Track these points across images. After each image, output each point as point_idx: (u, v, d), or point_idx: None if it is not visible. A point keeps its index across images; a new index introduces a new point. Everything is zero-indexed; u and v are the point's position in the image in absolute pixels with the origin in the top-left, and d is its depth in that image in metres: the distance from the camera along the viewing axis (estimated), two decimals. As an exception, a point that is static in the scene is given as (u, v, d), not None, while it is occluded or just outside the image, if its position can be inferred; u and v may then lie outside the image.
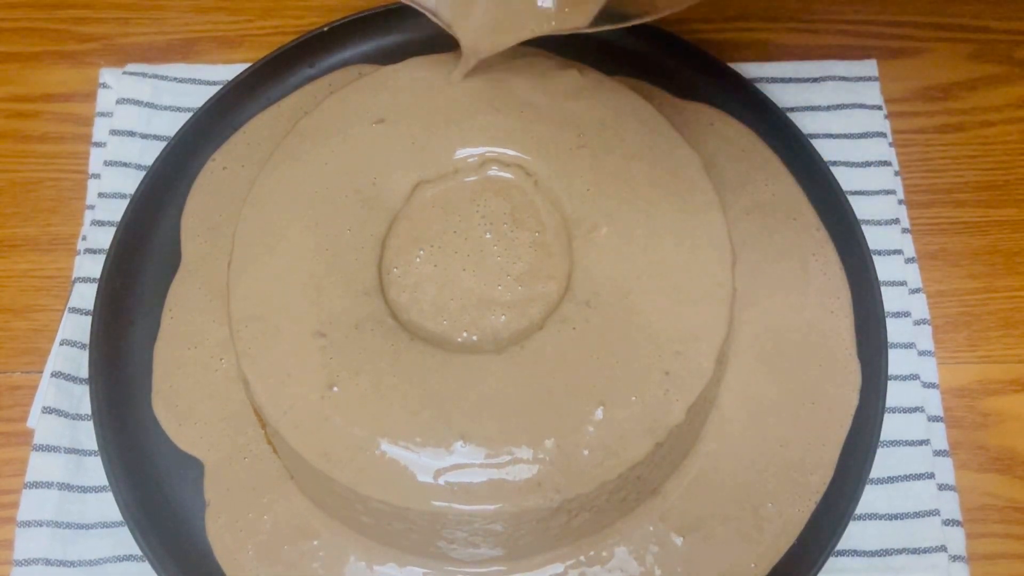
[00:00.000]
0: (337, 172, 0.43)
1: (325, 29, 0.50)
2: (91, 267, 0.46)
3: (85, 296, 0.45)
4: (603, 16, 0.40)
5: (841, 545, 0.41)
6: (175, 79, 0.51)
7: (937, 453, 0.43)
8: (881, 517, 0.42)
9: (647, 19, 0.40)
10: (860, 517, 0.42)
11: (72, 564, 0.41)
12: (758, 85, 0.49)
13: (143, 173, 0.47)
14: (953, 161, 0.51)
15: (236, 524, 0.40)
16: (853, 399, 0.42)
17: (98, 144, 0.50)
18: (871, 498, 0.42)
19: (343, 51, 0.50)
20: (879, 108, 0.50)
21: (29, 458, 0.42)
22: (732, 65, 0.49)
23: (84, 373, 0.44)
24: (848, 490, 0.40)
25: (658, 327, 0.39)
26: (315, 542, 0.40)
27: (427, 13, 0.42)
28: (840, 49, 0.53)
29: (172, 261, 0.46)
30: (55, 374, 0.44)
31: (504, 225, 0.42)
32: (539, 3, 0.41)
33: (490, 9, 0.42)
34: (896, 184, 0.49)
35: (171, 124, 0.49)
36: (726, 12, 0.54)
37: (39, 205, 0.49)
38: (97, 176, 0.49)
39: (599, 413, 0.37)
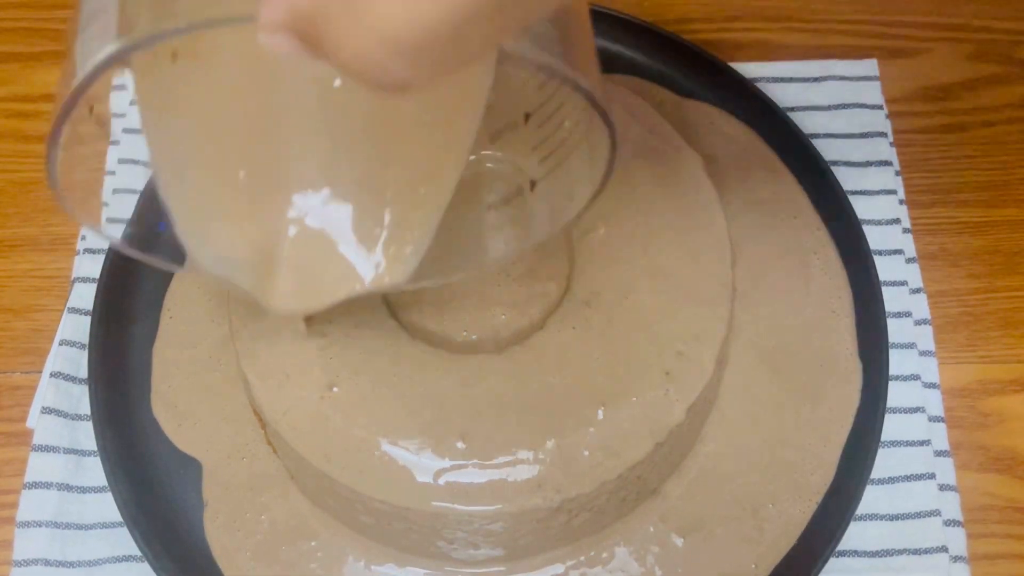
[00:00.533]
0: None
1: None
2: (91, 267, 0.46)
3: (85, 296, 0.45)
4: (418, 275, 0.36)
5: (842, 545, 0.41)
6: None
7: (938, 453, 0.43)
8: (882, 517, 0.42)
9: (461, 277, 0.39)
10: (861, 517, 0.42)
11: (71, 564, 0.41)
12: (758, 85, 0.49)
13: (142, 173, 0.47)
14: (954, 161, 0.51)
15: (233, 524, 0.40)
16: (854, 399, 0.42)
17: (113, 143, 0.50)
18: (872, 498, 0.42)
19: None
20: (880, 108, 0.50)
21: (28, 458, 0.42)
22: (732, 65, 0.49)
23: (84, 373, 0.44)
24: (849, 490, 0.40)
25: (658, 327, 0.39)
26: (313, 543, 0.40)
27: (225, 284, 0.37)
28: (840, 49, 0.53)
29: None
30: (54, 374, 0.44)
31: (504, 225, 0.42)
32: (348, 261, 0.36)
33: (294, 274, 0.36)
34: (897, 184, 0.49)
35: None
36: (726, 12, 0.54)
37: (39, 205, 0.49)
38: (112, 173, 0.49)
39: (599, 413, 0.37)
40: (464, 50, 0.21)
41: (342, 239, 0.36)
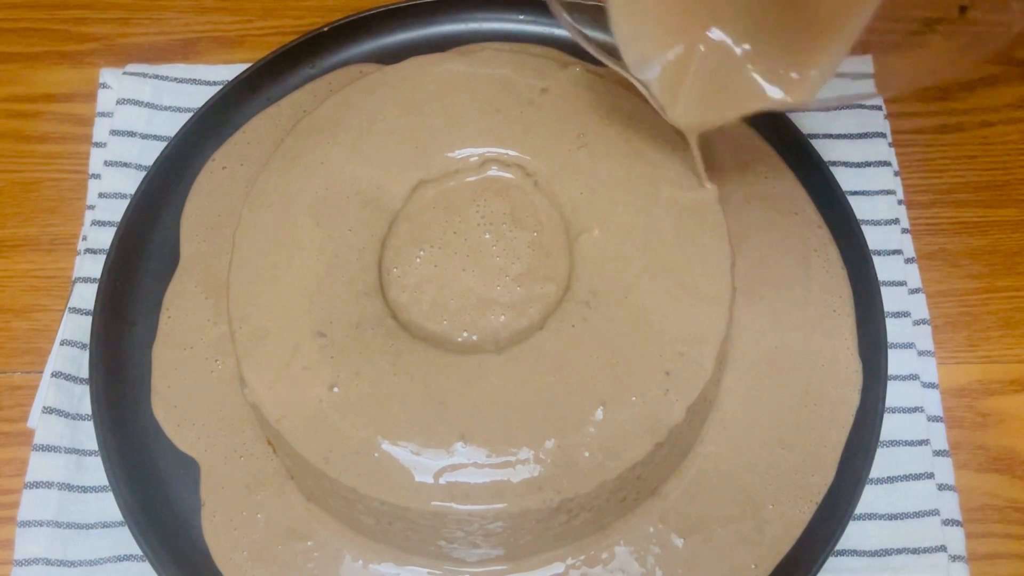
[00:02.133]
0: (338, 172, 0.43)
1: (325, 29, 0.50)
2: (91, 267, 0.46)
3: (85, 296, 0.45)
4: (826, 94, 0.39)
5: (841, 545, 0.41)
6: (175, 79, 0.51)
7: (937, 453, 0.43)
8: (881, 517, 0.42)
9: (870, 100, 0.40)
10: (860, 517, 0.42)
11: (72, 564, 0.41)
12: (758, 85, 0.49)
13: (143, 173, 0.47)
14: (953, 161, 0.51)
15: (230, 523, 0.40)
16: (854, 399, 0.42)
17: (98, 144, 0.50)
18: (871, 498, 0.42)
19: (343, 51, 0.50)
20: (879, 108, 0.50)
21: (29, 458, 0.42)
22: (732, 65, 0.49)
23: (84, 373, 0.44)
24: (848, 491, 0.40)
25: (658, 327, 0.39)
26: (310, 542, 0.40)
27: (640, 87, 0.40)
28: (840, 49, 0.53)
29: (172, 261, 0.46)
30: (55, 374, 0.44)
31: (504, 225, 0.43)
32: (753, 79, 0.39)
33: (698, 86, 0.40)
34: (896, 184, 0.49)
35: (171, 124, 0.49)
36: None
37: (39, 205, 0.49)
38: (97, 176, 0.49)
39: (599, 413, 0.37)
40: None
41: (750, 58, 0.39)
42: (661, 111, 0.40)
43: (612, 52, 0.40)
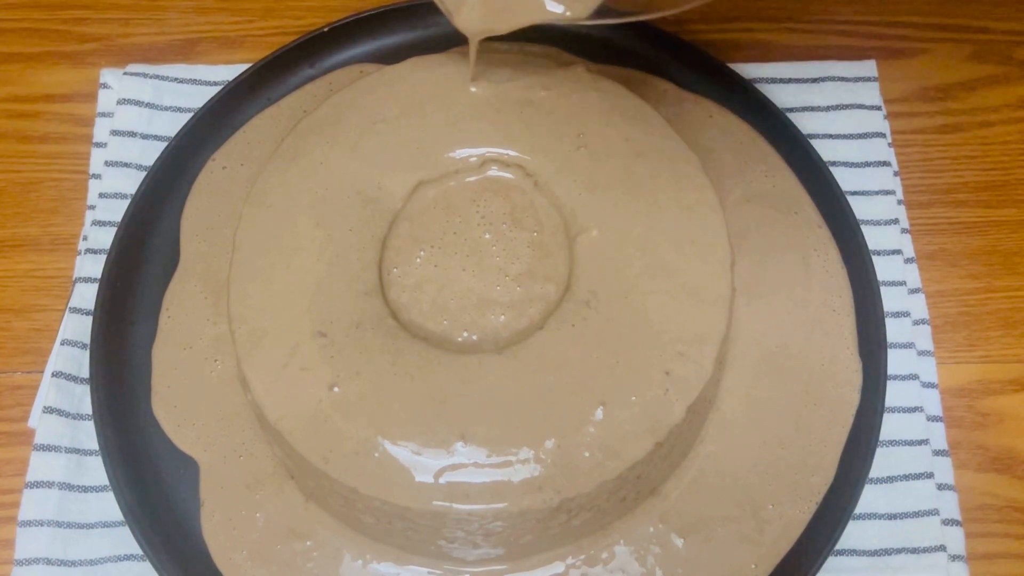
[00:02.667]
0: (338, 172, 0.43)
1: (325, 29, 0.50)
2: (92, 267, 0.46)
3: (86, 296, 0.45)
4: (602, 11, 0.39)
5: (840, 545, 0.41)
6: (176, 79, 0.51)
7: (936, 453, 0.44)
8: (880, 517, 0.42)
9: (645, 17, 0.40)
10: (859, 517, 0.42)
11: (73, 564, 0.41)
12: (758, 86, 0.49)
13: (144, 173, 0.47)
14: (952, 161, 0.51)
15: (229, 523, 0.40)
16: (854, 399, 0.42)
17: (99, 144, 0.50)
18: (870, 498, 0.42)
19: (343, 51, 0.50)
20: (878, 108, 0.50)
21: (30, 458, 0.42)
22: (732, 65, 0.49)
23: (85, 373, 0.44)
24: (848, 490, 0.40)
25: (658, 327, 0.39)
26: (309, 542, 0.40)
27: None
28: (839, 49, 0.53)
29: (173, 261, 0.46)
30: (56, 374, 0.44)
31: (504, 225, 0.43)
32: None
33: None
34: (895, 184, 0.49)
35: (172, 124, 0.49)
36: (726, 12, 0.54)
37: (40, 205, 0.49)
38: (98, 176, 0.49)
39: (599, 413, 0.37)
40: None
41: None
42: (448, 16, 0.41)
43: None
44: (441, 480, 0.36)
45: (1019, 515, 0.43)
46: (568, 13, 0.39)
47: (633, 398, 0.38)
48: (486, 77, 0.44)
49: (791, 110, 0.50)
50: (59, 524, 0.41)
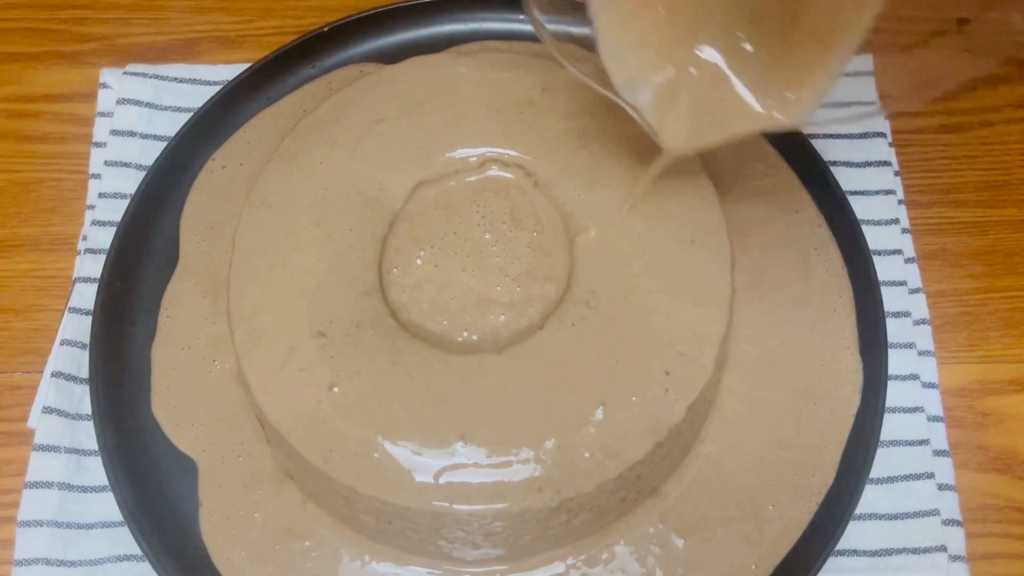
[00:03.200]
0: (338, 172, 0.43)
1: (325, 29, 0.50)
2: (91, 267, 0.46)
3: (85, 296, 0.45)
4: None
5: (841, 545, 0.41)
6: (175, 79, 0.51)
7: (937, 453, 0.43)
8: (881, 517, 0.42)
9: (875, 116, 0.39)
10: (860, 517, 0.42)
11: (72, 564, 0.41)
12: (758, 85, 0.49)
13: (144, 173, 0.47)
14: (953, 161, 0.51)
15: (227, 523, 0.40)
16: (854, 399, 0.42)
17: (99, 144, 0.50)
18: (871, 498, 0.42)
19: (343, 51, 0.50)
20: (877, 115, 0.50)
21: (29, 458, 0.42)
22: (732, 65, 0.49)
23: (85, 373, 0.44)
24: (848, 491, 0.40)
25: (658, 327, 0.39)
26: (307, 542, 0.40)
27: (630, 111, 0.39)
28: (840, 49, 0.53)
29: (172, 261, 0.46)
30: (55, 374, 0.44)
31: (504, 225, 0.42)
32: (746, 101, 0.38)
33: (690, 110, 0.38)
34: (896, 184, 0.49)
35: (171, 124, 0.49)
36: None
37: (40, 205, 0.49)
38: (98, 176, 0.49)
39: (599, 413, 0.37)
40: None
41: (742, 78, 0.38)
42: (653, 135, 0.39)
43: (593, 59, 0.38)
44: (441, 480, 0.36)
45: (1020, 515, 0.43)
46: (785, 120, 0.37)
47: (633, 398, 0.38)
48: (484, 75, 0.44)
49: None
50: (59, 524, 0.41)
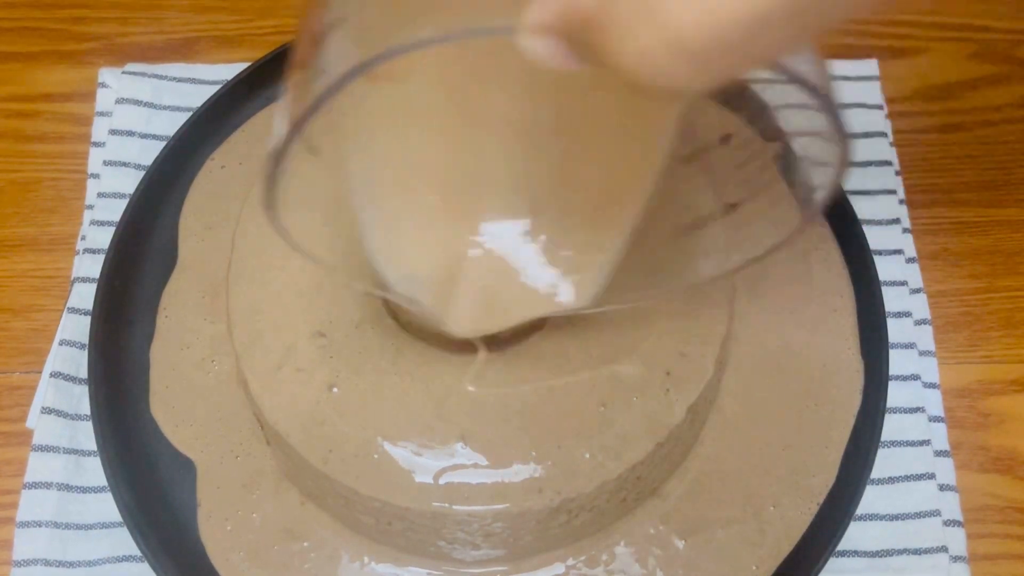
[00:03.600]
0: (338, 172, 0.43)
1: (325, 28, 0.50)
2: (90, 267, 0.46)
3: (84, 296, 0.45)
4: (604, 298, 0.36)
5: (842, 545, 0.41)
6: (174, 79, 0.51)
7: (938, 453, 0.43)
8: (882, 517, 0.42)
9: (623, 305, 0.37)
10: (861, 517, 0.42)
11: (71, 564, 0.41)
12: (757, 85, 0.49)
13: (142, 173, 0.47)
14: (954, 161, 0.51)
15: (225, 523, 0.40)
16: (855, 399, 0.42)
17: (97, 144, 0.50)
18: (872, 498, 0.42)
19: (343, 51, 0.50)
20: (880, 108, 0.50)
21: (28, 458, 0.42)
22: (732, 65, 0.49)
23: (83, 373, 0.43)
24: (849, 491, 0.40)
25: (659, 327, 0.39)
26: (306, 543, 0.40)
27: (407, 303, 0.36)
28: (841, 48, 0.53)
29: (171, 261, 0.46)
30: (54, 374, 0.44)
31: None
32: (529, 287, 0.36)
33: (472, 294, 0.36)
34: (897, 184, 0.49)
35: (170, 124, 0.49)
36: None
37: (38, 205, 0.49)
38: (96, 176, 0.49)
39: (599, 413, 0.37)
40: (751, 55, 0.21)
41: (524, 262, 0.36)
42: (437, 323, 0.36)
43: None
44: (441, 481, 0.36)
45: (1021, 516, 0.43)
46: (568, 302, 0.36)
47: (633, 398, 0.37)
48: None
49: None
50: (57, 525, 0.41)
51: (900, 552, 0.41)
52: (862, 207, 0.47)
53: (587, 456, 0.37)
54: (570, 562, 0.40)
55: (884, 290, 0.44)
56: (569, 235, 0.36)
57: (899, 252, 0.47)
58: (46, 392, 0.43)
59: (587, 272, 0.36)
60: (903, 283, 0.46)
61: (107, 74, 0.51)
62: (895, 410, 0.44)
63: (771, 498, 0.40)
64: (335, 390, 0.38)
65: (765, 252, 0.34)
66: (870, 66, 0.51)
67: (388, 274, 0.35)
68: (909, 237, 0.48)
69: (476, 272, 0.36)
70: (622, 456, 0.37)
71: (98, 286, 0.44)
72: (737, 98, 0.32)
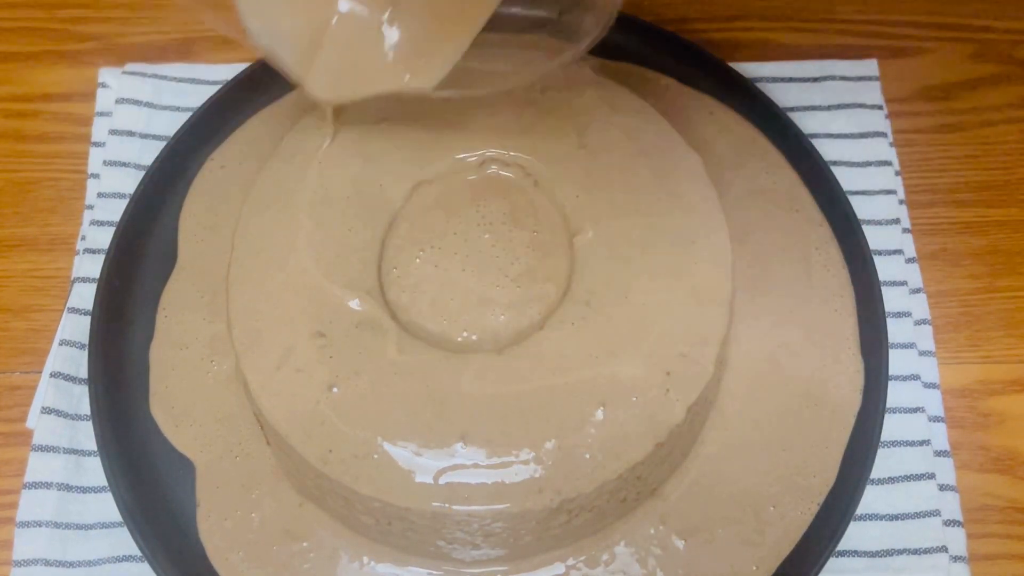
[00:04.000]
0: (338, 172, 0.43)
1: (325, 28, 0.50)
2: (90, 267, 0.46)
3: (84, 296, 0.45)
4: (446, 83, 0.39)
5: (842, 546, 0.41)
6: (174, 79, 0.51)
7: (938, 453, 0.43)
8: (882, 518, 0.42)
9: (479, 92, 0.41)
10: (861, 517, 0.42)
11: (71, 564, 0.41)
12: (758, 85, 0.49)
13: (142, 173, 0.47)
14: (953, 161, 0.51)
15: (224, 523, 0.40)
16: (855, 399, 0.42)
17: (97, 144, 0.50)
18: (872, 498, 0.42)
19: (343, 50, 0.50)
20: (880, 108, 0.50)
21: (28, 458, 0.42)
22: (732, 65, 0.49)
23: (83, 373, 0.44)
24: (849, 491, 0.40)
25: (658, 327, 0.39)
26: (305, 543, 0.40)
27: (269, 58, 0.39)
28: (841, 49, 0.53)
29: (171, 261, 0.46)
30: (54, 374, 0.44)
31: (503, 225, 0.42)
32: (388, 58, 0.39)
33: (334, 60, 0.39)
34: (897, 184, 0.49)
35: (170, 124, 0.49)
36: (728, 11, 0.54)
37: (38, 205, 0.49)
38: (96, 176, 0.49)
39: (599, 413, 0.37)
40: None
41: (382, 39, 0.39)
42: (297, 82, 0.39)
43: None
44: (441, 481, 0.36)
45: (1021, 516, 0.43)
46: (414, 83, 0.39)
47: (633, 398, 0.37)
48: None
49: (792, 109, 0.50)
50: (57, 525, 0.41)
51: (900, 552, 0.41)
52: (862, 207, 0.47)
53: (587, 456, 0.37)
54: (570, 562, 0.40)
55: (884, 290, 0.44)
56: (424, 24, 0.38)
57: (899, 252, 0.47)
58: (46, 392, 0.43)
59: (435, 58, 0.38)
60: (903, 283, 0.46)
61: (107, 74, 0.51)
62: (895, 410, 0.44)
63: (771, 498, 0.40)
64: (335, 390, 0.38)
65: (557, 62, 0.40)
66: (870, 66, 0.51)
67: (252, 23, 0.38)
68: (909, 237, 0.48)
69: (337, 39, 0.39)
70: (622, 456, 0.37)
71: (98, 286, 0.44)
72: None
